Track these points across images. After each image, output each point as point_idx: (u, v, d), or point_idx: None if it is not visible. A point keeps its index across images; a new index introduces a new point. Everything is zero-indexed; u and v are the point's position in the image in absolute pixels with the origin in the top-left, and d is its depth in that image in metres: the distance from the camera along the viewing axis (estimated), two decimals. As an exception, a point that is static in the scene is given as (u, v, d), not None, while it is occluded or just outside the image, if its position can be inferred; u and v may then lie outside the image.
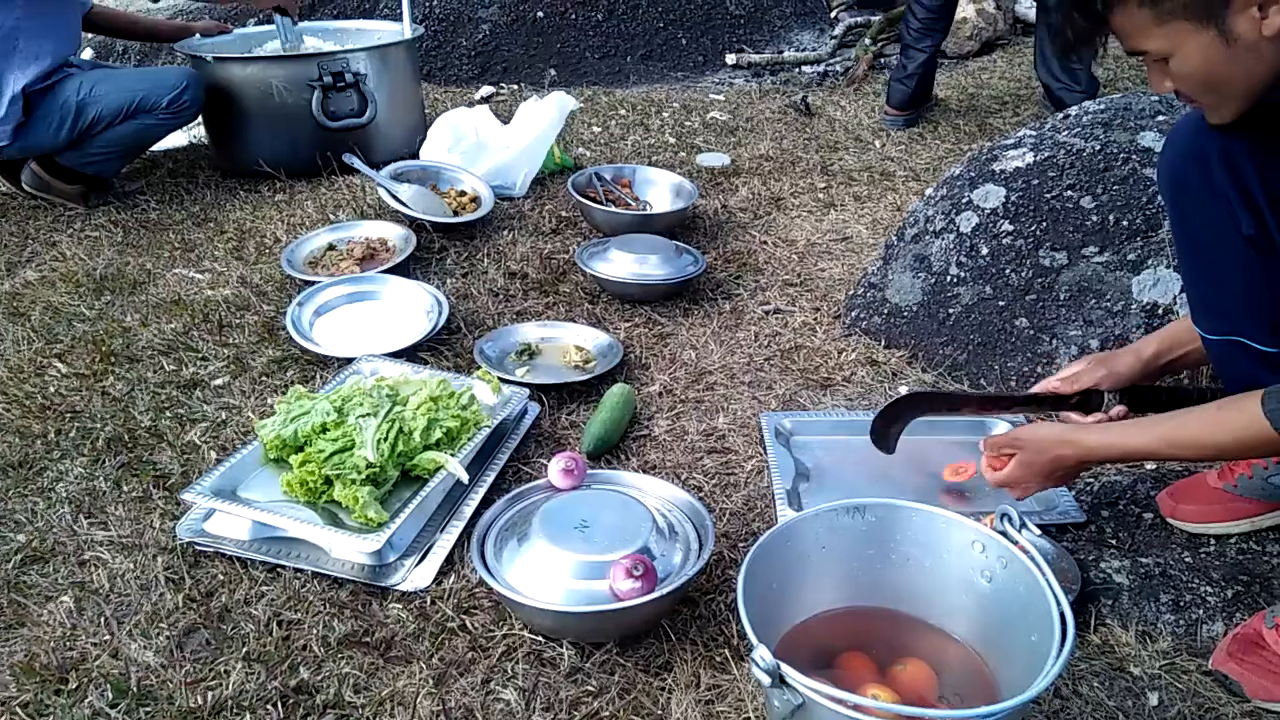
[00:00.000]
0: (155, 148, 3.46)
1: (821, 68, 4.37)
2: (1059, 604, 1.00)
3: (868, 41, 4.35)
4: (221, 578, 1.48)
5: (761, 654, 0.93)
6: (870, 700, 0.95)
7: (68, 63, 2.86)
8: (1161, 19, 1.10)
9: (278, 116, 2.98)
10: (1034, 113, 3.57)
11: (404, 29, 3.28)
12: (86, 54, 4.42)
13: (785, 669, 0.93)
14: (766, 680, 0.93)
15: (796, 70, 4.37)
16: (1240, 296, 1.35)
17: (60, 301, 2.39)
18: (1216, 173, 1.30)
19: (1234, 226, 1.31)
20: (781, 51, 4.54)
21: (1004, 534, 1.08)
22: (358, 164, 2.63)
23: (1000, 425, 1.81)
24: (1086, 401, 1.56)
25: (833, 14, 4.83)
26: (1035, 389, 1.63)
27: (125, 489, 1.71)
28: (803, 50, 4.56)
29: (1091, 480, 1.70)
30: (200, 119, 3.19)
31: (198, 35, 3.27)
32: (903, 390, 1.99)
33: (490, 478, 1.70)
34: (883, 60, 4.34)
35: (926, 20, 3.38)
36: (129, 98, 2.81)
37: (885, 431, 1.58)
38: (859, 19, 4.64)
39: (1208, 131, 1.30)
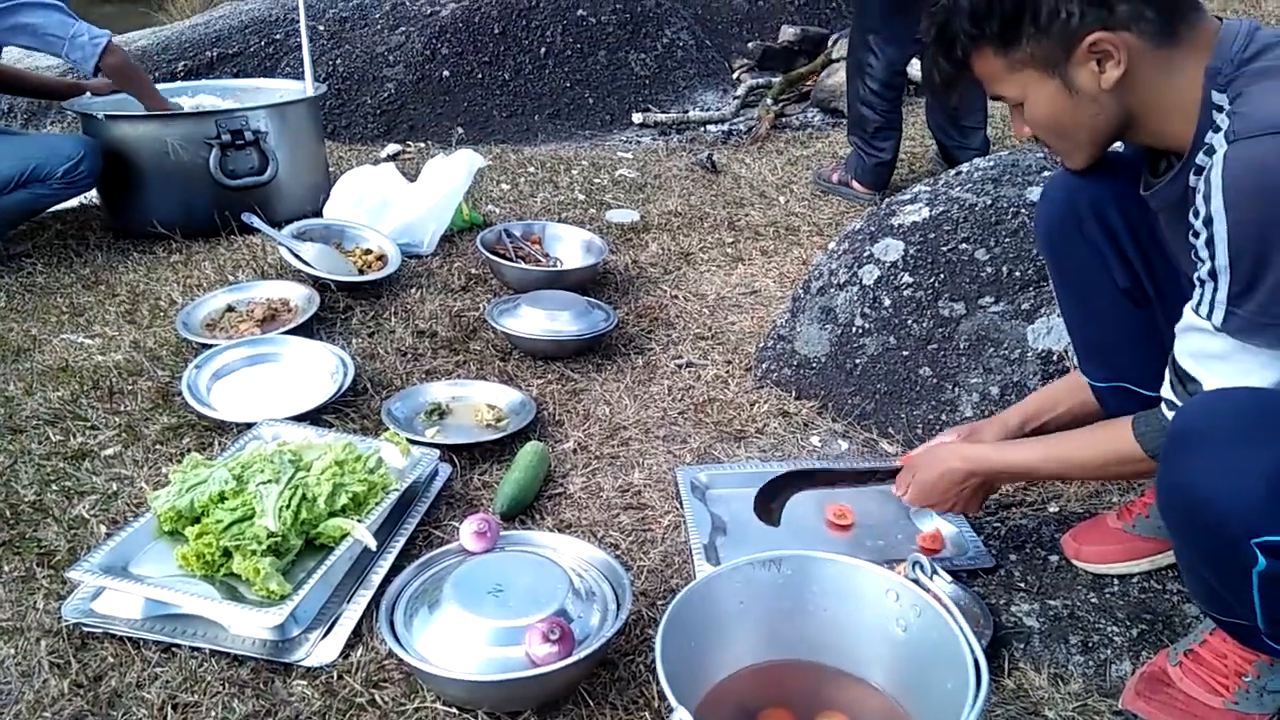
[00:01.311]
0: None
1: (726, 127, 4.47)
2: (972, 650, 1.01)
3: (769, 101, 4.49)
4: (111, 660, 1.39)
5: (681, 716, 0.91)
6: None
7: None
8: (1013, 67, 1.18)
9: (174, 175, 2.90)
10: (928, 169, 3.72)
11: (306, 86, 3.25)
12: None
13: (707, 731, 0.91)
14: (688, 743, 0.92)
15: (702, 129, 4.47)
16: (1124, 346, 1.42)
17: (-65, 370, 2.26)
18: (1089, 227, 1.38)
19: (1110, 279, 1.38)
20: (687, 111, 4.64)
21: (916, 581, 1.09)
22: (257, 223, 2.56)
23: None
24: None
25: (735, 75, 4.97)
26: (899, 461, 1.68)
27: (6, 568, 1.60)
28: (707, 110, 4.67)
29: (998, 525, 1.74)
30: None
31: (88, 94, 3.16)
32: (814, 440, 2.02)
33: (400, 543, 1.65)
34: (784, 119, 4.47)
35: (888, 108, 3.32)
36: (21, 167, 2.69)
37: (767, 507, 1.61)
38: (760, 80, 4.78)
39: (1079, 186, 1.37)
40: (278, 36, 4.54)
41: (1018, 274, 2.08)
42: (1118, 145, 1.30)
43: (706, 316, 2.59)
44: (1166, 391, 1.18)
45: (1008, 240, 2.13)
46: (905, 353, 2.07)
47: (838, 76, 4.57)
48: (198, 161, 2.86)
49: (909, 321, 2.09)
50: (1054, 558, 1.65)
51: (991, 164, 2.40)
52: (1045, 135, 1.26)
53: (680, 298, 2.71)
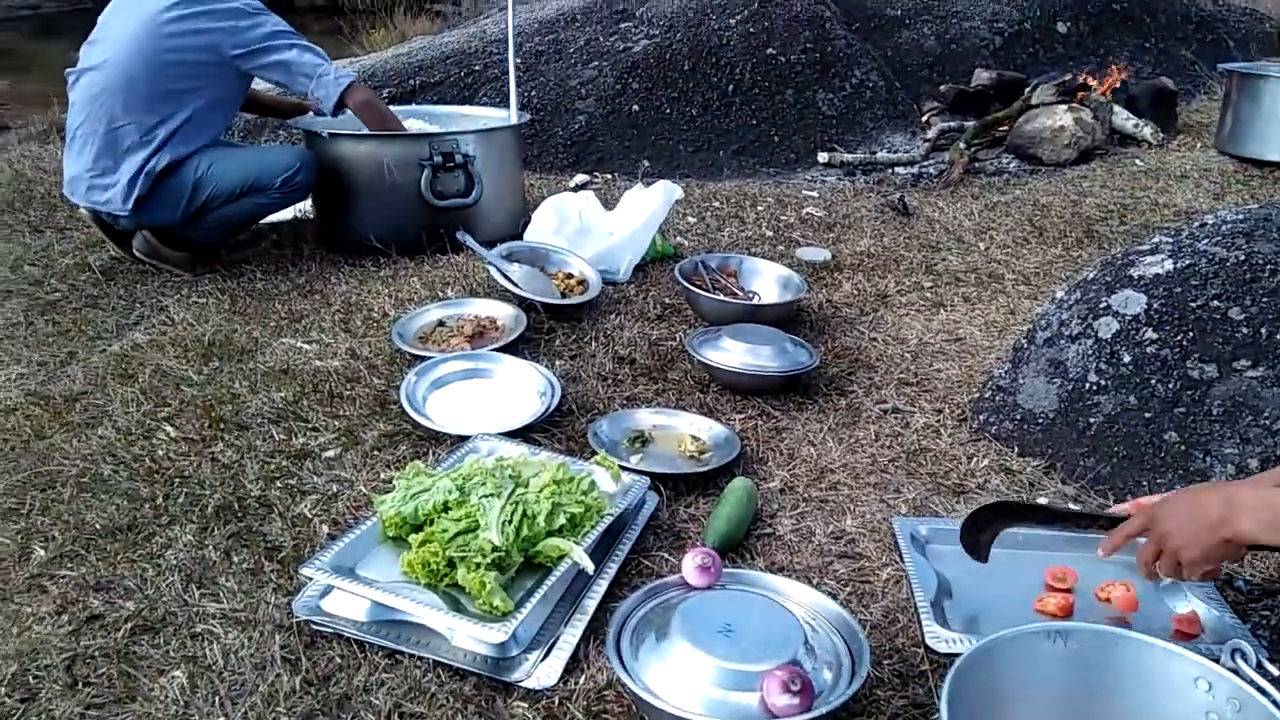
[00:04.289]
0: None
1: (915, 169, 4.35)
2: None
3: (962, 145, 4.34)
4: (339, 661, 1.41)
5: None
6: None
7: None
8: None
9: (387, 193, 3.01)
10: (1142, 221, 3.50)
11: (511, 114, 3.33)
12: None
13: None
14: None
15: (889, 171, 4.36)
16: None
17: (169, 365, 2.39)
18: None
19: None
20: (874, 152, 4.54)
21: (1235, 671, 0.97)
22: (470, 242, 2.63)
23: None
24: None
25: (924, 118, 4.84)
26: (1125, 507, 1.51)
27: (236, 559, 1.65)
28: (895, 152, 4.56)
29: (1265, 613, 1.57)
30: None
31: (310, 113, 3.35)
32: (1042, 502, 1.88)
33: (613, 570, 1.62)
34: (977, 164, 4.31)
35: None
36: (244, 177, 2.87)
37: (976, 540, 1.49)
38: (951, 124, 4.64)
39: None
40: (476, 68, 4.71)
41: (1279, 337, 1.89)
42: None
43: (909, 362, 2.48)
44: None
45: (1266, 300, 1.95)
46: (1148, 415, 1.91)
47: (1036, 122, 4.39)
48: (410, 181, 2.97)
49: (1152, 381, 1.93)
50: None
51: (1241, 217, 2.21)
52: None
53: (880, 340, 2.61)
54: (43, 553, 1.71)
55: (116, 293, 2.92)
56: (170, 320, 2.67)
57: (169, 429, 2.09)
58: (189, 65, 2.79)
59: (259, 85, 3.19)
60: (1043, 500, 1.87)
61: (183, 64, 2.78)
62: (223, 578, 1.60)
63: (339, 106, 2.88)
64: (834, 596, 1.59)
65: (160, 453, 2.00)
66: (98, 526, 1.77)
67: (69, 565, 1.67)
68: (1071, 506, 1.74)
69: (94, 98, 2.81)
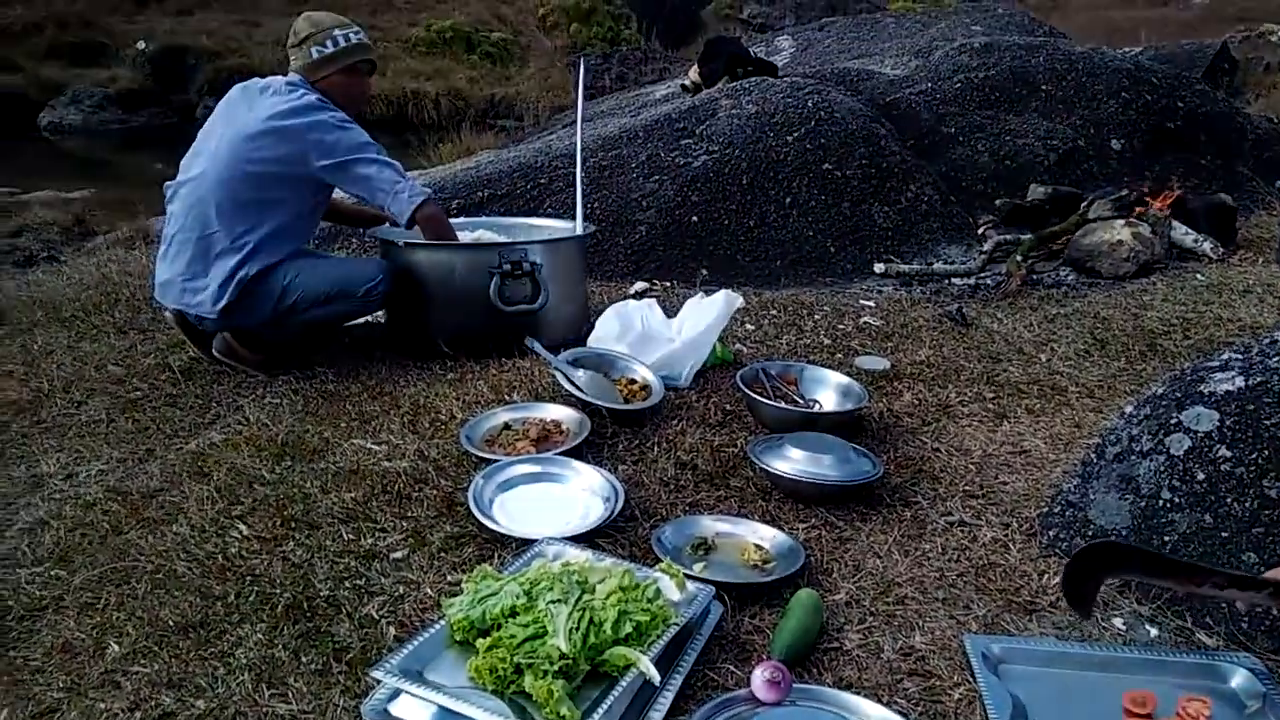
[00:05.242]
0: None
1: (972, 280, 4.37)
2: None
3: (1019, 258, 4.36)
4: (406, 767, 1.40)
5: None
6: None
7: None
8: None
9: (458, 299, 3.12)
10: (1206, 336, 3.46)
11: (576, 225, 3.45)
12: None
13: None
14: None
15: (946, 282, 4.39)
16: None
17: (243, 464, 2.46)
18: None
19: None
20: (930, 263, 4.59)
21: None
22: (538, 348, 2.69)
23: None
24: None
25: (980, 231, 4.89)
26: (1270, 574, 1.45)
27: (304, 659, 1.67)
28: (951, 263, 4.60)
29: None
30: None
31: (388, 224, 3.50)
32: (1118, 623, 1.83)
33: (678, 681, 1.60)
34: (1035, 277, 4.33)
35: None
36: (329, 286, 3.00)
37: (1079, 589, 1.45)
38: (1008, 236, 4.68)
39: None
40: (542, 181, 4.89)
41: (1359, 456, 1.85)
42: None
43: (974, 474, 2.45)
44: None
45: (1343, 418, 1.91)
46: (1224, 534, 1.86)
47: (1094, 236, 4.41)
48: (479, 288, 3.07)
49: (1228, 500, 1.89)
50: None
51: (1312, 334, 2.19)
52: None
53: (943, 451, 2.59)
54: (117, 648, 1.74)
55: (194, 392, 3.02)
56: (245, 420, 2.76)
57: (241, 527, 2.14)
58: (278, 176, 2.95)
59: (338, 194, 3.35)
60: (1123, 621, 1.82)
61: (272, 175, 2.94)
62: (291, 678, 1.62)
63: (411, 221, 3.02)
64: (905, 716, 1.55)
65: (233, 550, 2.05)
66: (171, 623, 1.80)
67: (142, 661, 1.70)
68: (1190, 561, 1.66)
69: (190, 207, 2.98)
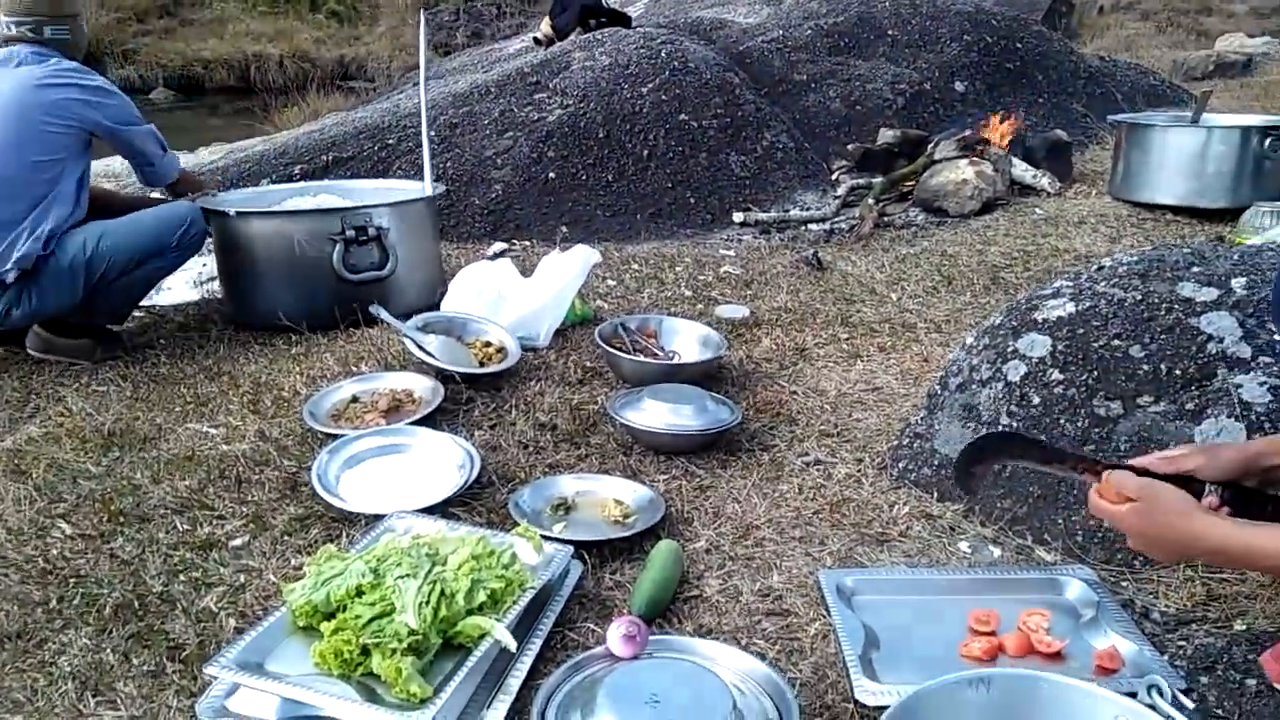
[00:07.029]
0: (165, 302, 3.44)
1: (828, 225, 4.45)
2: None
3: (871, 201, 4.46)
4: (246, 764, 1.32)
5: None
6: None
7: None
8: None
9: (298, 270, 2.96)
10: (1045, 266, 3.62)
11: (425, 186, 3.32)
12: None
13: None
14: None
15: (803, 228, 4.45)
16: None
17: (65, 458, 2.28)
18: None
19: None
20: (787, 210, 4.64)
21: (1153, 706, 0.97)
22: (384, 315, 2.58)
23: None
24: (1184, 486, 1.46)
25: (834, 176, 4.97)
26: (1133, 462, 1.53)
27: (136, 662, 1.56)
28: (807, 209, 4.66)
29: (1182, 643, 1.58)
30: (215, 272, 3.16)
31: (214, 192, 3.29)
32: (963, 546, 1.89)
33: (537, 645, 1.56)
34: (886, 218, 4.43)
35: None
36: (139, 244, 2.78)
37: (969, 473, 1.50)
38: (860, 181, 4.77)
39: None
40: (390, 142, 4.71)
41: (1178, 372, 1.95)
42: None
43: (829, 413, 2.50)
44: None
45: (1164, 337, 2.01)
46: (1059, 453, 1.94)
47: (940, 177, 4.54)
48: (321, 256, 2.92)
49: (1061, 421, 1.98)
50: (1251, 681, 1.48)
51: (1136, 259, 2.30)
52: None
53: (800, 394, 2.63)
54: (-78, 668, 1.59)
55: (10, 385, 2.79)
56: (67, 410, 2.56)
57: (64, 525, 1.98)
58: (58, 136, 2.72)
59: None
60: (968, 544, 1.88)
61: (53, 134, 2.71)
62: (120, 682, 1.51)
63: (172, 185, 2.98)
64: (762, 656, 1.56)
65: (54, 552, 1.90)
66: (-16, 635, 1.65)
67: (-49, 680, 1.55)
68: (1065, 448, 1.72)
69: None
